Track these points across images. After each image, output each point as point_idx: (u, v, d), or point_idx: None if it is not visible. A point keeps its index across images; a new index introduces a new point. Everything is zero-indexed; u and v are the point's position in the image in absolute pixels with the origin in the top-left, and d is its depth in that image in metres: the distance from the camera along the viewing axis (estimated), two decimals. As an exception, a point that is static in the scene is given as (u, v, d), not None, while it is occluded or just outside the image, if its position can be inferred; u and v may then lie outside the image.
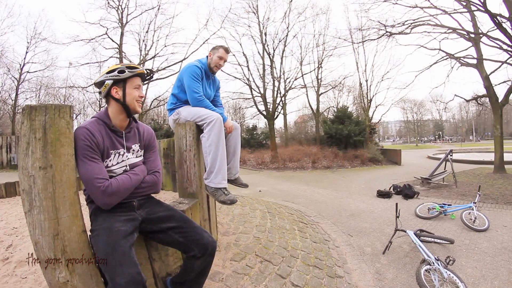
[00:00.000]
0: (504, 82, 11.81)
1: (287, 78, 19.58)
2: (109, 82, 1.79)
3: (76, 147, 1.60)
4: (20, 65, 20.23)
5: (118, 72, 1.80)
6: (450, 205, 5.80)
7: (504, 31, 9.66)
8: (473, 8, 10.70)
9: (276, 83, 18.76)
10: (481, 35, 11.15)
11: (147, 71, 1.96)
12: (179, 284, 2.05)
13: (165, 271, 2.21)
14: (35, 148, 1.40)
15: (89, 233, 1.67)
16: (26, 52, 20.36)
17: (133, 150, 1.91)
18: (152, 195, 2.08)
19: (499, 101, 11.40)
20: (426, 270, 3.17)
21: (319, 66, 20.67)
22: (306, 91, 21.71)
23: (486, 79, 11.70)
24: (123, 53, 17.36)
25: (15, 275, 2.39)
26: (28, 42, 20.45)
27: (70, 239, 1.51)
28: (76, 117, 25.50)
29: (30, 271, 2.43)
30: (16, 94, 20.43)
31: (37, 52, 21.13)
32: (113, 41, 17.17)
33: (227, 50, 3.16)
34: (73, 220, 1.54)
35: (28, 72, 20.77)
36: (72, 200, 1.53)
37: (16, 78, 20.20)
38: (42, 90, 23.49)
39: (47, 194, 1.43)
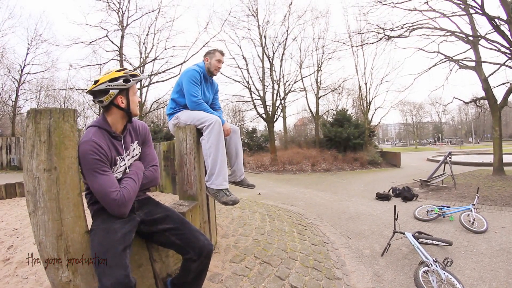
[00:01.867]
0: (503, 84, 11.90)
1: (286, 81, 19.71)
2: (114, 91, 1.75)
3: (86, 162, 1.60)
4: (21, 66, 20.14)
5: (123, 81, 1.77)
6: (449, 207, 5.83)
7: (502, 33, 9.73)
8: (471, 11, 10.79)
9: (276, 86, 18.87)
10: (479, 38, 11.22)
11: (146, 77, 1.97)
12: (179, 286, 2.07)
13: (166, 272, 2.23)
14: (40, 150, 1.43)
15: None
16: (27, 54, 20.26)
17: (130, 151, 1.92)
18: (152, 196, 2.11)
19: (498, 103, 11.47)
20: (424, 272, 3.19)
21: (319, 69, 20.78)
22: (306, 94, 21.84)
23: (484, 81, 11.77)
24: (123, 56, 17.38)
25: (16, 275, 2.41)
26: (28, 44, 20.39)
27: (73, 239, 1.54)
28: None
29: (31, 272, 2.45)
30: (16, 96, 20.34)
31: (38, 54, 21.06)
32: (113, 43, 17.20)
33: (222, 53, 3.22)
34: (76, 221, 1.57)
35: (28, 73, 20.68)
36: (75, 202, 1.56)
37: (16, 80, 20.13)
38: (42, 91, 23.45)
39: (51, 195, 1.45)
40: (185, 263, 1.93)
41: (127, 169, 1.87)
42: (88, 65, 17.76)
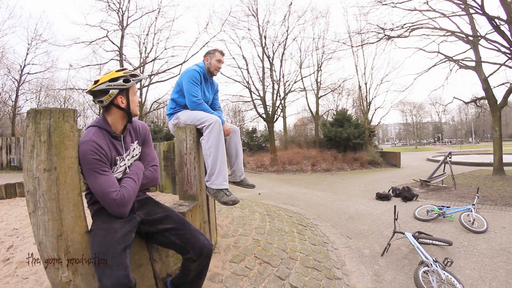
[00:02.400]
0: (503, 84, 11.89)
1: (286, 81, 19.72)
2: (114, 91, 1.75)
3: (86, 162, 1.60)
4: (21, 66, 20.14)
5: (123, 81, 1.77)
6: (449, 207, 5.83)
7: (502, 33, 9.72)
8: (471, 11, 10.79)
9: (276, 86, 18.87)
10: (479, 38, 11.22)
11: (146, 77, 1.96)
12: (179, 285, 2.07)
13: (166, 272, 2.23)
14: (40, 150, 1.43)
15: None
16: (27, 54, 20.28)
17: (130, 150, 1.93)
18: (152, 196, 2.11)
19: (498, 103, 11.47)
20: (424, 272, 3.19)
21: (319, 69, 20.79)
22: (306, 94, 21.88)
23: (484, 81, 11.76)
24: (123, 56, 17.38)
25: (16, 275, 2.41)
26: (28, 44, 20.40)
27: (73, 239, 1.54)
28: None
29: (31, 272, 2.45)
30: (16, 96, 20.36)
31: (38, 54, 21.07)
32: (113, 43, 17.21)
33: (222, 53, 3.23)
34: (76, 221, 1.57)
35: (28, 73, 20.70)
36: (75, 202, 1.56)
37: (16, 80, 20.14)
38: (42, 91, 23.48)
39: (51, 195, 1.46)
40: (185, 263, 1.94)
41: (127, 169, 1.87)
42: (88, 65, 17.81)
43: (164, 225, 1.89)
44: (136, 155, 1.98)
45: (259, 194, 8.76)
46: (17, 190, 5.98)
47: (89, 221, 1.72)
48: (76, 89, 20.09)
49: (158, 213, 1.94)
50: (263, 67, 18.85)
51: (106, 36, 16.92)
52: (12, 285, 2.25)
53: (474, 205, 5.40)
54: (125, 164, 1.86)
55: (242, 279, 2.84)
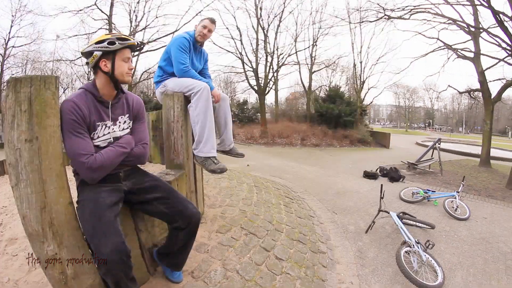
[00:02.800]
0: (499, 79, 11.86)
1: (280, 54, 19.38)
2: (97, 53, 1.68)
3: (62, 121, 1.54)
4: (5, 39, 19.22)
5: (108, 44, 1.68)
6: (434, 191, 5.97)
7: (505, 29, 9.51)
8: (476, 2, 10.50)
9: (269, 59, 18.56)
10: (481, 30, 11.02)
11: (138, 43, 1.86)
12: (165, 255, 2.10)
13: (151, 242, 2.24)
14: (20, 120, 1.36)
15: (75, 205, 1.66)
16: (11, 26, 19.28)
17: (119, 122, 1.85)
18: (140, 167, 2.07)
19: (492, 97, 11.51)
20: (406, 252, 3.29)
21: (314, 44, 20.42)
22: (299, 68, 21.55)
23: (481, 74, 11.70)
24: (112, 25, 16.61)
25: (6, 253, 2.38)
26: (12, 16, 19.25)
27: (57, 211, 1.50)
28: (64, 91, 24.21)
29: (20, 248, 2.42)
30: (2, 70, 19.50)
31: (23, 26, 20.47)
32: (102, 12, 16.33)
33: (212, 20, 3.02)
34: (60, 192, 1.52)
35: (13, 46, 19.84)
36: (58, 172, 1.50)
37: (1, 54, 19.29)
38: (29, 65, 22.44)
39: (34, 167, 1.39)
40: (173, 231, 1.96)
41: (112, 140, 1.81)
42: (76, 35, 17.08)
43: (153, 194, 1.88)
44: (125, 129, 1.90)
45: (248, 165, 8.75)
46: (5, 168, 5.80)
47: (73, 192, 1.67)
48: (63, 60, 19.17)
49: (145, 182, 1.92)
50: (257, 38, 18.43)
51: (95, 4, 15.98)
52: (2, 263, 2.23)
53: (458, 192, 5.53)
54: (109, 133, 1.79)
55: (228, 249, 2.88)
